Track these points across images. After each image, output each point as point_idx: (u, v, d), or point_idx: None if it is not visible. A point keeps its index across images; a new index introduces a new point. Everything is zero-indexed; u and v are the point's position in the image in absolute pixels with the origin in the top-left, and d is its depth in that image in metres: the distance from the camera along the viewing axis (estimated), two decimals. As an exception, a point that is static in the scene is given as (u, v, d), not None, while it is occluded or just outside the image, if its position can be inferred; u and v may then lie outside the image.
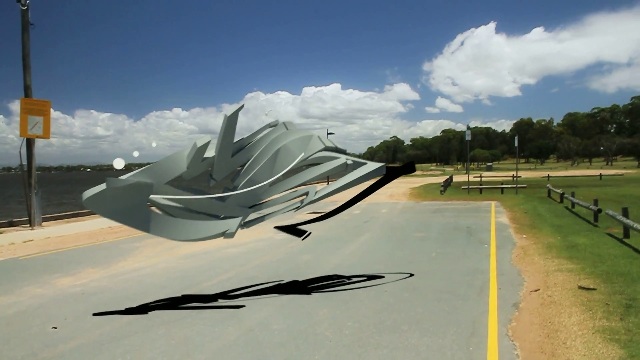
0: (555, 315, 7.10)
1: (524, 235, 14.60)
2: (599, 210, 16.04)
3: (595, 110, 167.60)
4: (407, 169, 9.34)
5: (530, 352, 5.82)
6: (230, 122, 7.81)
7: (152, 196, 7.65)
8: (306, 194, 9.02)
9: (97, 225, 19.90)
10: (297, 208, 8.77)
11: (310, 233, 9.65)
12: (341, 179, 8.77)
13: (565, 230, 14.92)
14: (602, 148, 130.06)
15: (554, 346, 5.96)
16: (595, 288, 8.33)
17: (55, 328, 7.17)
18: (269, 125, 9.13)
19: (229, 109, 8.00)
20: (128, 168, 8.71)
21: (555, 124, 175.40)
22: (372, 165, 8.90)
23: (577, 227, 15.40)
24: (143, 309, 8.03)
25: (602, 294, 7.98)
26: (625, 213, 13.13)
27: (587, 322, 6.71)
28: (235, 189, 8.24)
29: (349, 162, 9.01)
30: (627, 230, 12.92)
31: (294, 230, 9.54)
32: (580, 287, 8.43)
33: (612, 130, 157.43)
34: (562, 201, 24.30)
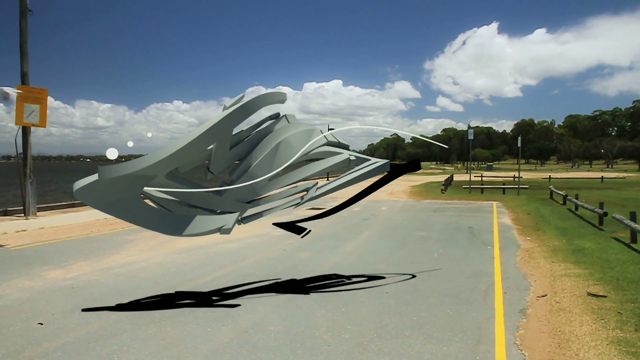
0: (566, 324, 6.77)
1: (528, 238, 14.27)
2: (605, 214, 15.70)
3: (597, 113, 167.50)
4: (412, 167, 9.00)
5: (540, 364, 5.50)
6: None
7: (146, 188, 7.33)
8: (307, 189, 8.69)
9: (92, 217, 19.55)
10: (297, 204, 8.45)
11: (310, 231, 9.31)
12: (344, 175, 8.44)
13: (570, 234, 14.59)
14: (602, 151, 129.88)
15: (566, 358, 5.63)
16: (606, 295, 8.00)
17: (41, 324, 6.84)
18: (270, 118, 8.80)
19: (229, 101, 7.68)
20: (127, 159, 8.38)
21: (556, 125, 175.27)
22: (376, 162, 8.57)
23: (582, 231, 15.08)
24: (134, 306, 7.71)
25: (614, 302, 7.65)
26: (633, 217, 12.80)
27: (599, 332, 6.38)
28: (232, 183, 7.91)
29: (352, 158, 8.69)
30: (634, 234, 12.59)
31: (293, 227, 9.21)
32: (590, 294, 8.10)
33: (613, 133, 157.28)
34: (564, 203, 23.99)
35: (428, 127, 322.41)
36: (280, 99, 8.58)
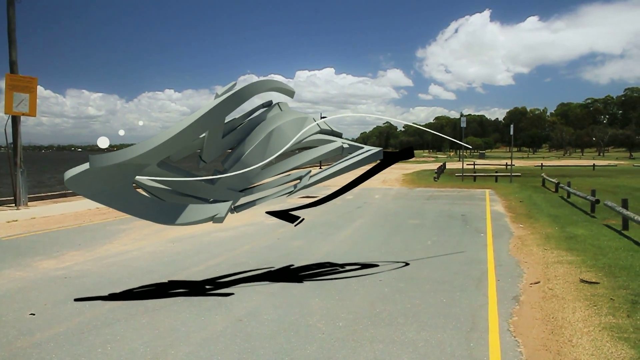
0: (559, 310, 6.81)
1: (521, 225, 14.33)
2: (597, 201, 15.78)
3: (589, 101, 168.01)
4: (406, 155, 8.98)
5: (534, 350, 5.52)
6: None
7: (138, 177, 7.26)
8: (300, 178, 8.66)
9: (84, 206, 19.44)
10: (290, 193, 8.42)
11: (303, 219, 9.29)
12: (337, 163, 8.40)
13: (563, 221, 14.66)
14: (594, 139, 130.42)
15: (559, 344, 5.66)
16: (598, 282, 8.05)
17: (33, 314, 6.79)
18: (262, 106, 8.74)
19: (221, 89, 7.61)
20: (119, 148, 8.30)
21: (548, 113, 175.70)
22: (369, 150, 8.55)
23: (575, 218, 15.16)
24: (127, 295, 7.67)
25: (606, 289, 7.69)
26: (624, 204, 12.87)
27: (592, 319, 6.41)
28: (225, 171, 7.86)
29: (345, 145, 8.65)
30: (626, 221, 12.66)
31: (286, 215, 9.17)
32: (583, 281, 8.14)
33: (604, 121, 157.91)
34: (557, 191, 24.10)
35: (420, 115, 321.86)
36: (281, 87, 8.51)
